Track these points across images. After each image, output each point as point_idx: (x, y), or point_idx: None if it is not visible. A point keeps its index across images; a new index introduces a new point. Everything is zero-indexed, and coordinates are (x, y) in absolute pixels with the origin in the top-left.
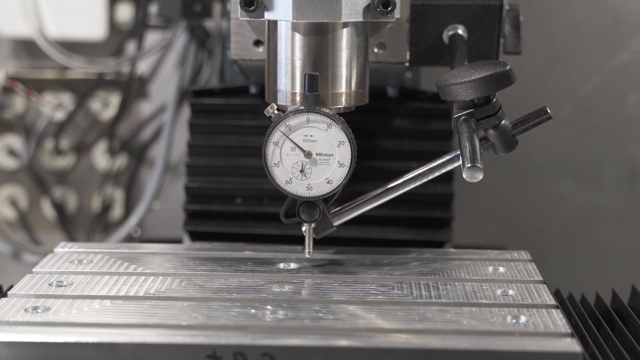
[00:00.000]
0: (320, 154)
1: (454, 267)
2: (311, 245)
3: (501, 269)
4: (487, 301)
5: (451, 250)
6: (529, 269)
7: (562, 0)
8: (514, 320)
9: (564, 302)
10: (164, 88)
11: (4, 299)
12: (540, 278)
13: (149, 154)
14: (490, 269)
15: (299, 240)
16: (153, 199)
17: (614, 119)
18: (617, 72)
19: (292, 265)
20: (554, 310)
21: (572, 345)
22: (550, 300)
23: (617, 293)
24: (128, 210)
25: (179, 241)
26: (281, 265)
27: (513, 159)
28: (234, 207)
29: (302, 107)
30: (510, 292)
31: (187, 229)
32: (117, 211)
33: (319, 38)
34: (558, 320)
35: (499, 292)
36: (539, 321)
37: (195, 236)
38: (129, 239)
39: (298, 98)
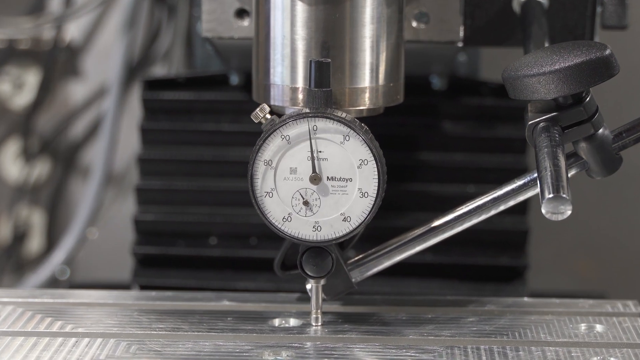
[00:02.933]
0: (333, 179)
1: (529, 325)
2: (319, 310)
3: (599, 328)
4: None
5: (525, 300)
6: (639, 327)
7: None
8: None
9: None
10: (104, 62)
11: None
12: None
13: (82, 159)
14: (583, 327)
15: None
16: (88, 224)
17: None
18: None
19: (292, 322)
20: None
21: None
22: None
23: None
24: (52, 240)
25: (126, 287)
26: (276, 322)
27: None
28: (206, 251)
29: (307, 110)
30: None
31: (138, 282)
32: (35, 242)
33: (331, 9)
34: None
35: None
36: None
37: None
38: (54, 282)
39: (300, 96)
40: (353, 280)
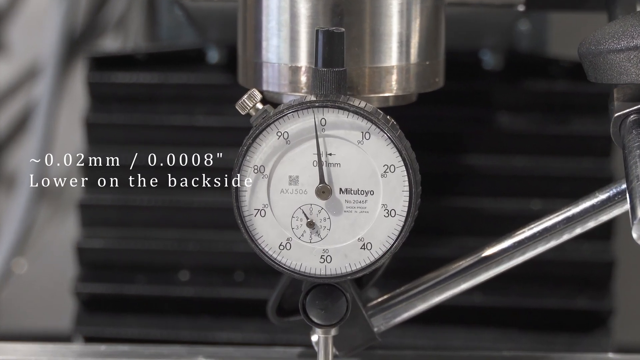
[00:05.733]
0: (347, 191)
1: None
2: None
3: None
4: None
5: (609, 356)
6: None
7: None
8: None
9: None
10: (35, 33)
11: None
12: None
13: (6, 165)
14: None
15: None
16: (14, 254)
17: None
18: None
19: None
20: None
21: None
22: None
23: None
24: None
25: (66, 339)
26: None
27: None
28: (174, 290)
29: (313, 98)
30: None
31: (81, 332)
32: None
33: None
34: None
35: None
36: None
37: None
38: None
39: (303, 79)
40: (375, 329)
